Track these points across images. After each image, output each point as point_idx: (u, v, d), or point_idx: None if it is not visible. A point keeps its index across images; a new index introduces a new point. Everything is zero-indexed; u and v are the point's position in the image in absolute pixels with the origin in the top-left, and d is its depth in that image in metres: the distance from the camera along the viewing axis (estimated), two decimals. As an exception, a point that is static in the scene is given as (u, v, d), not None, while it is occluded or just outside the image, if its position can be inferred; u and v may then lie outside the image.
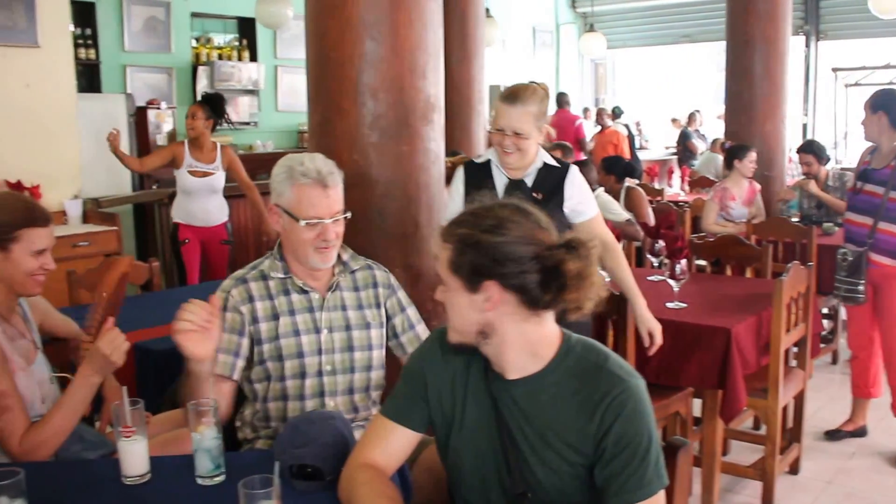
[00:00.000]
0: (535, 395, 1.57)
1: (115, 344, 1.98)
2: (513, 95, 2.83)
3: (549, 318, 1.58)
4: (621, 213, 5.10)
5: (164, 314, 3.24)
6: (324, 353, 2.19)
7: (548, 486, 1.57)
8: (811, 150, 5.64)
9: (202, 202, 5.16)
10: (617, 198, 5.43)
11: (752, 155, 5.52)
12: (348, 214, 2.21)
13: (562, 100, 9.83)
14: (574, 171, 2.98)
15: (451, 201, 3.02)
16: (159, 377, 2.85)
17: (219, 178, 5.17)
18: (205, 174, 5.10)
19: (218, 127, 5.27)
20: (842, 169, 6.11)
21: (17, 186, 4.80)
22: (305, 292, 2.21)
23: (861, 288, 3.75)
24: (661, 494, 1.52)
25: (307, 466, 1.70)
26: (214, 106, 5.15)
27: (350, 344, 2.22)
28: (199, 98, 5.41)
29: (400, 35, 2.78)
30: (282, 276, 2.21)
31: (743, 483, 3.52)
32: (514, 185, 2.93)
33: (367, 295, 2.29)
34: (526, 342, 1.57)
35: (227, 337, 2.13)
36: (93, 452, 2.28)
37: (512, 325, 1.55)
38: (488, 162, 3.00)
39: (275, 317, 2.18)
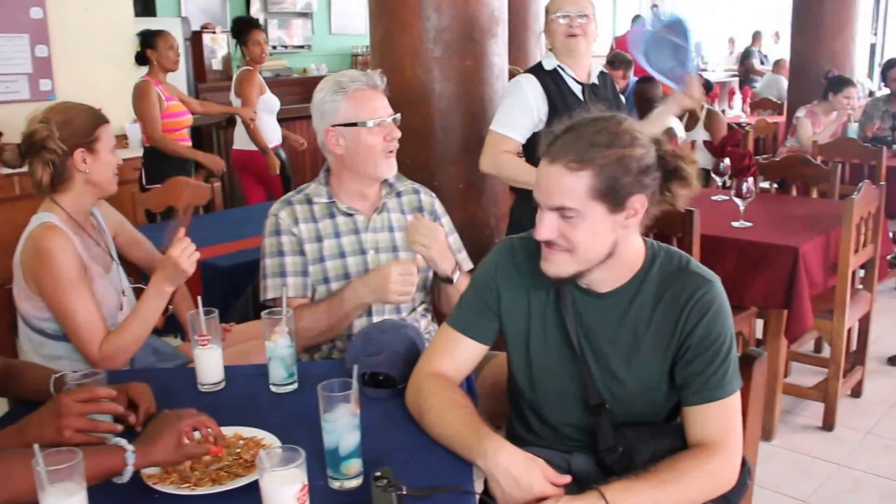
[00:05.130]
0: (625, 304, 1.56)
1: (186, 252, 2.04)
2: None
3: None
4: (681, 132, 4.98)
5: (228, 232, 3.35)
6: None
7: (631, 393, 1.57)
8: None
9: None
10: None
11: (850, 91, 5.41)
12: (398, 116, 2.16)
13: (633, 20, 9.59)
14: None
15: (521, 114, 2.73)
16: (225, 293, 2.92)
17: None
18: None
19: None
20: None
21: (80, 109, 4.84)
22: (350, 215, 2.19)
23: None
24: (738, 396, 1.52)
25: (379, 374, 1.72)
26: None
27: None
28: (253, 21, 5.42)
29: (463, -55, 2.71)
30: (325, 200, 2.19)
31: (804, 404, 3.49)
32: (592, 90, 2.84)
33: None
34: (631, 252, 1.55)
35: (290, 259, 2.14)
36: (167, 364, 2.35)
37: (631, 237, 1.53)
38: (556, 69, 2.82)
39: (318, 239, 2.17)
